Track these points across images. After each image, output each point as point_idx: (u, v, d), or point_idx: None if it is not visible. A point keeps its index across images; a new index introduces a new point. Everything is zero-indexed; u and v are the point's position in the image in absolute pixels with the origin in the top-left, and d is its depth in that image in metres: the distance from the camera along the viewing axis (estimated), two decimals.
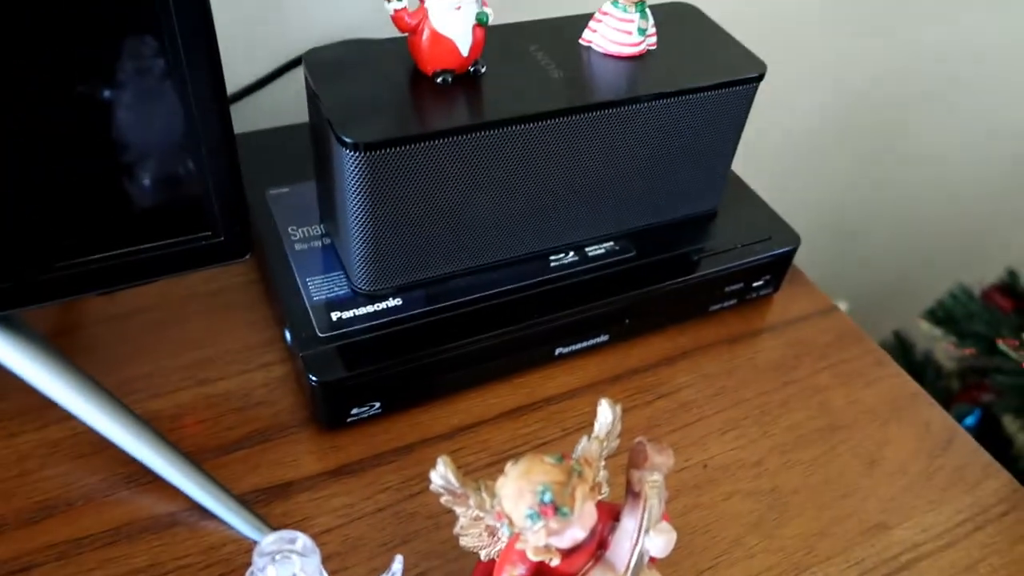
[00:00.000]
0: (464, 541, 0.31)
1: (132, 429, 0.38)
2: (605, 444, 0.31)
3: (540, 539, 0.27)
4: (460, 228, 0.43)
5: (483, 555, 0.32)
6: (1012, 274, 1.05)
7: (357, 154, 0.37)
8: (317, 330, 0.42)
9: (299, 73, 0.60)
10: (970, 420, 0.97)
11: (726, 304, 0.51)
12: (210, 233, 0.37)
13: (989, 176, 1.22)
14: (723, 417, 0.46)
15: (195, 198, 0.36)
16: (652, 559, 0.30)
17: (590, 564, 0.30)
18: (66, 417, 0.41)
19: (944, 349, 1.02)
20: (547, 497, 0.26)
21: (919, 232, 1.27)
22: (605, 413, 0.31)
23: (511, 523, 0.27)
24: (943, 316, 0.99)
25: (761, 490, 0.43)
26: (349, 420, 0.42)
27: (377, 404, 0.43)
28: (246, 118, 0.58)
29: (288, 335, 0.43)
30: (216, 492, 0.38)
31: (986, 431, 0.96)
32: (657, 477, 0.29)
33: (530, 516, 0.26)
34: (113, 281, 0.36)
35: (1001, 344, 0.88)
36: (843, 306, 1.33)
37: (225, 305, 0.48)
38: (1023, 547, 0.42)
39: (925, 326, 1.01)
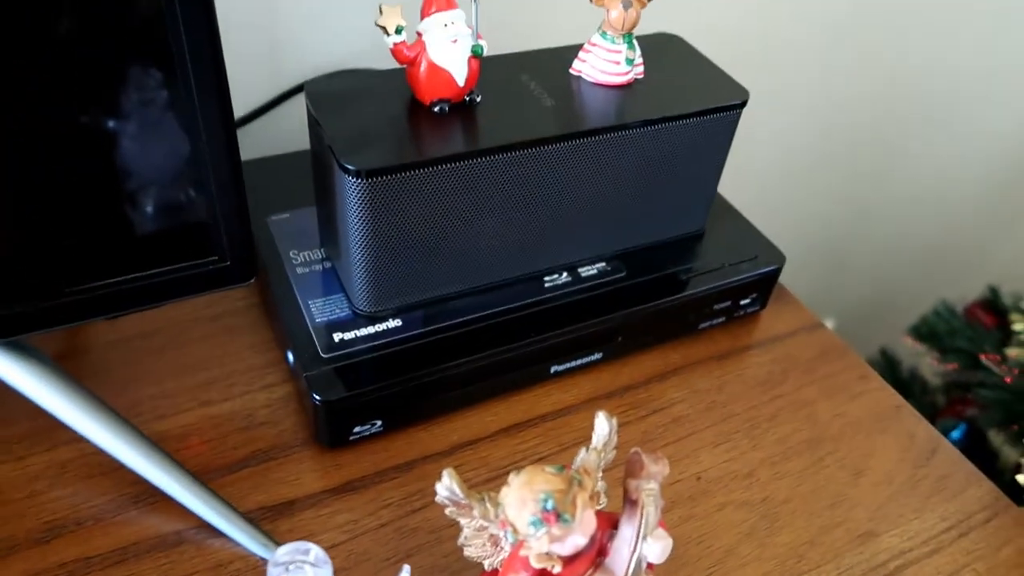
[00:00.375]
0: (468, 551, 0.32)
1: (140, 449, 0.39)
2: (602, 455, 0.32)
3: (543, 545, 0.28)
4: (457, 251, 0.44)
5: (487, 564, 0.33)
6: (993, 291, 1.07)
7: (359, 180, 0.39)
8: (320, 351, 0.43)
9: (295, 103, 0.62)
10: (955, 434, 0.99)
11: (715, 322, 0.53)
12: (217, 258, 0.38)
13: (972, 194, 1.25)
14: (714, 431, 0.48)
15: (203, 224, 0.37)
16: (650, 565, 0.31)
17: (590, 571, 0.31)
18: (74, 439, 0.42)
19: (929, 364, 1.04)
20: (549, 505, 0.27)
21: (904, 250, 1.29)
22: (602, 425, 0.32)
23: (515, 531, 0.28)
24: (927, 332, 1.01)
25: (753, 500, 0.44)
26: (351, 438, 0.43)
27: (378, 422, 0.44)
28: (242, 146, 0.60)
29: (291, 356, 0.44)
30: (223, 510, 0.39)
31: (972, 445, 0.98)
32: (653, 485, 0.31)
33: (533, 523, 0.28)
34: (123, 306, 0.38)
35: (984, 359, 0.90)
36: (830, 324, 1.35)
37: (227, 328, 0.49)
38: (1007, 552, 0.44)
39: (909, 342, 1.03)
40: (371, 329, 0.44)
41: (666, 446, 0.46)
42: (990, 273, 1.34)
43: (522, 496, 0.28)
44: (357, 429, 0.43)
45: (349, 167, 0.39)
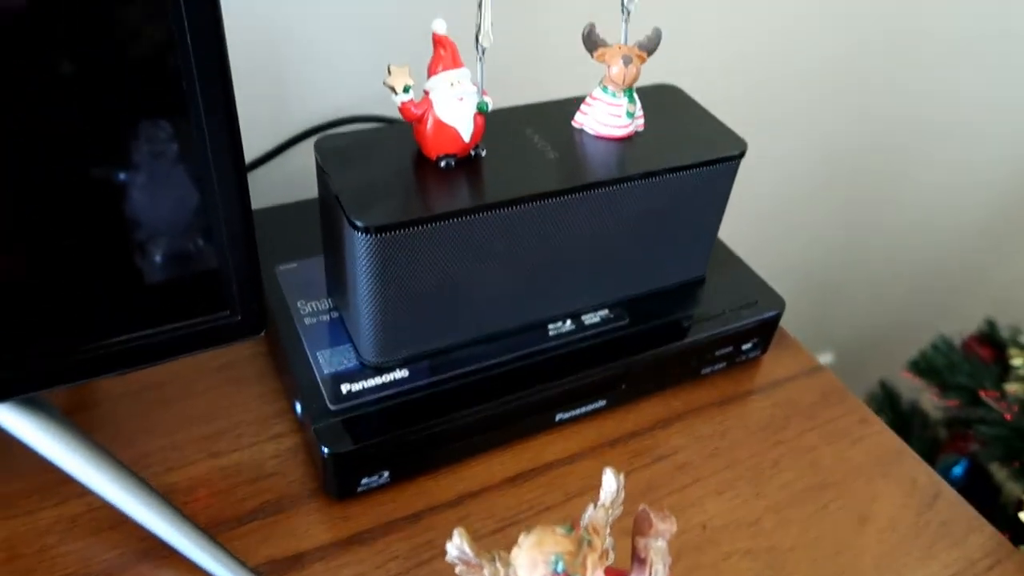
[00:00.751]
0: None
1: (149, 503, 0.39)
2: (610, 512, 0.32)
3: None
4: (463, 302, 0.45)
5: None
6: (991, 324, 1.08)
7: (368, 236, 0.40)
8: (328, 402, 0.43)
9: (300, 149, 0.63)
10: (958, 470, 0.99)
11: (716, 367, 0.54)
12: (228, 312, 0.39)
13: (969, 221, 1.27)
14: (719, 478, 0.48)
15: (214, 280, 0.38)
16: None
17: None
18: (84, 492, 0.42)
19: (929, 399, 1.05)
20: (560, 567, 0.28)
21: (901, 282, 1.30)
22: (610, 482, 0.33)
23: None
24: (926, 368, 1.02)
25: (759, 549, 0.45)
26: (359, 490, 0.44)
27: (386, 473, 0.44)
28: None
29: (299, 408, 0.45)
30: (232, 565, 0.39)
31: (975, 479, 0.98)
32: (661, 543, 0.31)
33: None
34: (134, 362, 0.38)
35: (983, 396, 0.91)
36: (829, 357, 1.36)
37: (235, 379, 0.50)
38: None
39: (909, 378, 1.03)
40: (378, 380, 0.45)
41: (671, 494, 0.47)
42: (987, 301, 1.35)
43: (532, 557, 0.28)
44: (365, 480, 0.44)
45: (358, 223, 0.39)
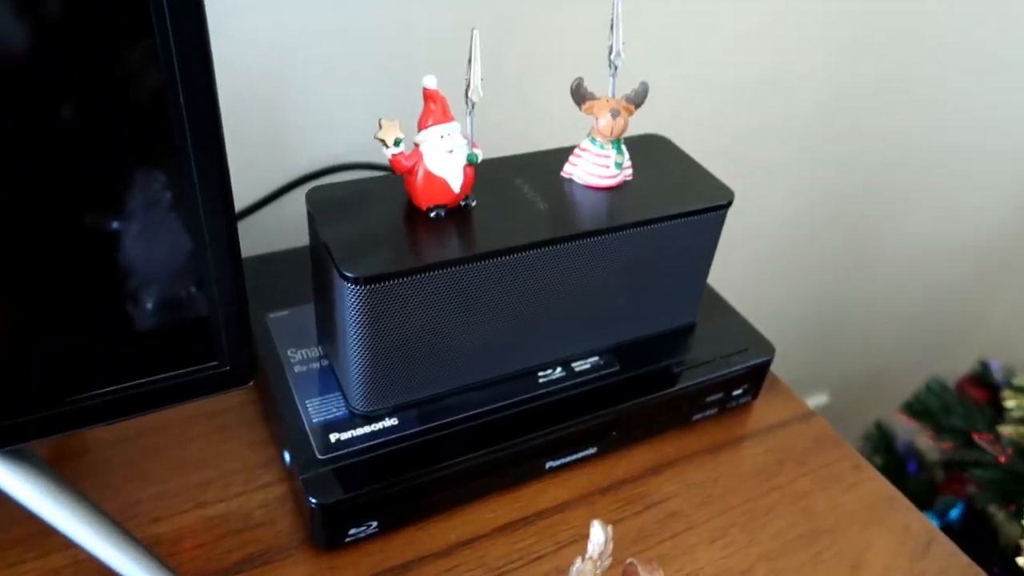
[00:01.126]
0: None
1: (134, 556, 0.39)
2: (598, 564, 0.32)
3: None
4: (453, 350, 0.45)
5: None
6: (984, 365, 1.08)
7: (358, 287, 0.40)
8: (316, 452, 0.43)
9: (291, 197, 0.63)
10: (955, 513, 0.98)
11: (707, 413, 0.54)
12: (217, 363, 0.39)
13: (960, 263, 1.28)
14: (711, 526, 0.48)
15: (204, 331, 0.38)
16: None
17: None
18: (67, 544, 0.41)
19: (924, 441, 1.04)
20: None
21: (895, 323, 1.31)
22: (597, 534, 0.32)
23: None
24: (920, 410, 1.02)
25: None
26: (347, 540, 0.43)
27: (374, 523, 0.44)
28: (240, 241, 0.61)
29: (288, 457, 0.45)
30: None
31: (973, 521, 0.97)
32: None
33: None
34: (121, 413, 0.38)
35: (977, 439, 0.91)
36: (824, 399, 1.36)
37: (224, 426, 0.50)
38: None
39: (904, 420, 1.03)
40: (367, 429, 0.45)
41: (662, 543, 0.46)
42: (979, 342, 1.35)
43: None
44: (353, 531, 0.43)
45: (348, 274, 0.40)
